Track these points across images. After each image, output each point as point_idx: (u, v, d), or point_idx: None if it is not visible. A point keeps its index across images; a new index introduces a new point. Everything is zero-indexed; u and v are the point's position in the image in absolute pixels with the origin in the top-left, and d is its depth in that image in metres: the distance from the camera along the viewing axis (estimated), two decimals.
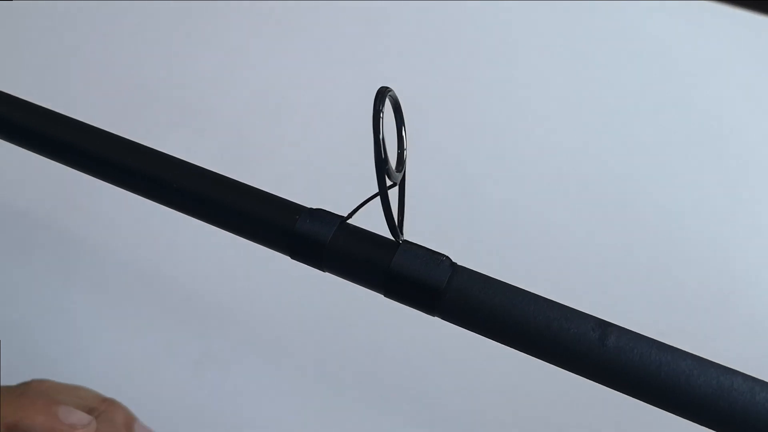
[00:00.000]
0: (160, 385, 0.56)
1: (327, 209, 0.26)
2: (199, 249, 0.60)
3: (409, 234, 0.25)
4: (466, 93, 0.65)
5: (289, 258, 0.26)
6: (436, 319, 0.25)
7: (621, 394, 0.24)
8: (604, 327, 0.21)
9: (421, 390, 0.55)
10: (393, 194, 0.24)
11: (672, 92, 0.64)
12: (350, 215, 0.25)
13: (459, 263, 0.24)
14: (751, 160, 0.61)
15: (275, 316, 0.58)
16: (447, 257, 0.24)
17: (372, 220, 0.26)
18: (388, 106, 0.24)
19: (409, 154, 0.26)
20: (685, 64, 0.64)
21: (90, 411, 0.36)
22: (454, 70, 0.66)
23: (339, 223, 0.25)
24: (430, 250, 0.24)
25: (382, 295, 0.25)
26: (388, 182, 0.24)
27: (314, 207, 0.26)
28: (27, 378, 0.39)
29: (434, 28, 0.68)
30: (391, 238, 0.25)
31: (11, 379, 0.39)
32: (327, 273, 0.26)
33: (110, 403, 0.38)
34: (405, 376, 0.55)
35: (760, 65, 0.63)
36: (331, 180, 0.61)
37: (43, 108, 0.28)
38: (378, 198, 0.24)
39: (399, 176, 0.25)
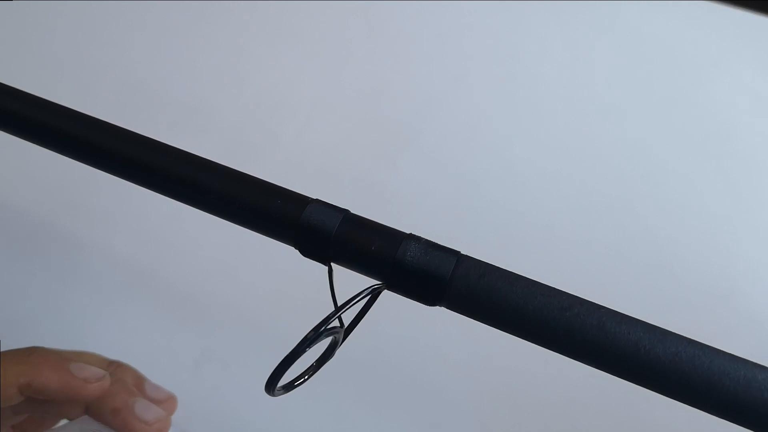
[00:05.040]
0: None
1: None
2: (198, 248, 0.60)
3: (412, 230, 0.25)
4: (466, 92, 0.65)
5: (289, 257, 0.26)
6: (439, 318, 0.25)
7: (623, 387, 0.24)
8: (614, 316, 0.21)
9: (424, 388, 0.55)
10: None
11: (672, 92, 0.64)
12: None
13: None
14: (751, 159, 0.61)
15: (276, 315, 0.58)
16: (452, 248, 0.24)
17: (373, 216, 0.26)
18: None
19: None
20: (685, 64, 0.65)
21: None
22: (455, 70, 0.66)
23: (345, 213, 0.25)
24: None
25: (386, 288, 0.25)
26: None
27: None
28: None
29: (435, 28, 0.68)
30: (397, 228, 0.25)
31: None
32: (328, 268, 0.26)
33: (118, 365, 0.37)
34: (407, 374, 0.55)
35: (760, 65, 0.64)
36: (331, 179, 0.61)
37: (58, 104, 0.28)
38: None
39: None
